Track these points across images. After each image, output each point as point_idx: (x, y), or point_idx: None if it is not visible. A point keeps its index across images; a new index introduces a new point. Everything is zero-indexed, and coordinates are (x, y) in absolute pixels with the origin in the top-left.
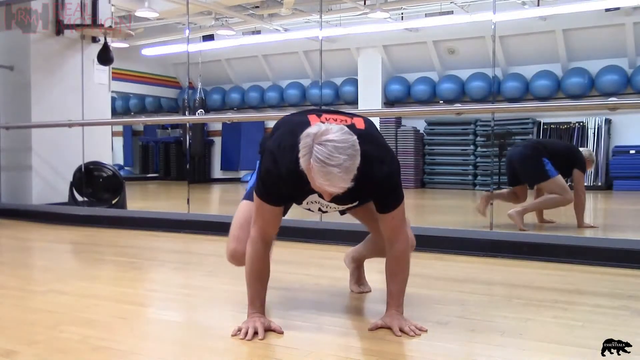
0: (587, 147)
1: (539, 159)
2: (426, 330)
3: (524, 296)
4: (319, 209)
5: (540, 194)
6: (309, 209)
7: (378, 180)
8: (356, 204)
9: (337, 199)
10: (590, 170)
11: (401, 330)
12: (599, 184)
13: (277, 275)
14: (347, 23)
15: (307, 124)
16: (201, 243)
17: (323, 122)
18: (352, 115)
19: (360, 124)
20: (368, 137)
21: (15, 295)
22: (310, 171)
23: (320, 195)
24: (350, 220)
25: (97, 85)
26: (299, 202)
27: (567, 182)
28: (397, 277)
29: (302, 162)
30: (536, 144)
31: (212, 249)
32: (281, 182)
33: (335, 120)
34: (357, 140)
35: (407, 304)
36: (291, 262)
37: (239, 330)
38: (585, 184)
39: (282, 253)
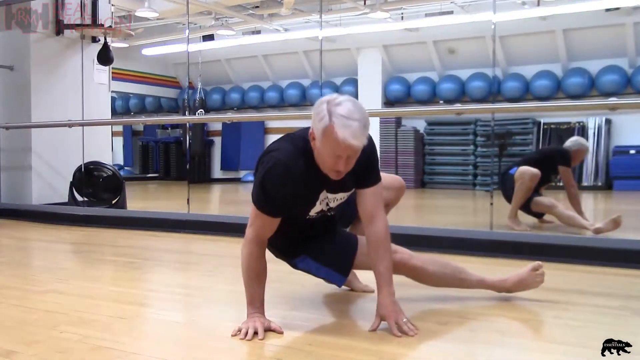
0: None
1: (506, 173)
2: (419, 330)
3: (524, 296)
4: (328, 208)
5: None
6: (316, 218)
7: (366, 152)
8: (352, 191)
9: (341, 185)
10: (584, 157)
11: (399, 328)
12: (599, 184)
13: (277, 275)
14: (347, 23)
15: (290, 141)
16: (201, 243)
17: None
18: None
19: None
20: None
21: (15, 295)
22: (330, 132)
23: (327, 189)
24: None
25: (97, 85)
26: (306, 211)
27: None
28: (382, 256)
29: (319, 126)
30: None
31: (212, 249)
32: (290, 185)
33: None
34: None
35: (407, 304)
36: None
37: (239, 330)
38: (585, 183)
39: None
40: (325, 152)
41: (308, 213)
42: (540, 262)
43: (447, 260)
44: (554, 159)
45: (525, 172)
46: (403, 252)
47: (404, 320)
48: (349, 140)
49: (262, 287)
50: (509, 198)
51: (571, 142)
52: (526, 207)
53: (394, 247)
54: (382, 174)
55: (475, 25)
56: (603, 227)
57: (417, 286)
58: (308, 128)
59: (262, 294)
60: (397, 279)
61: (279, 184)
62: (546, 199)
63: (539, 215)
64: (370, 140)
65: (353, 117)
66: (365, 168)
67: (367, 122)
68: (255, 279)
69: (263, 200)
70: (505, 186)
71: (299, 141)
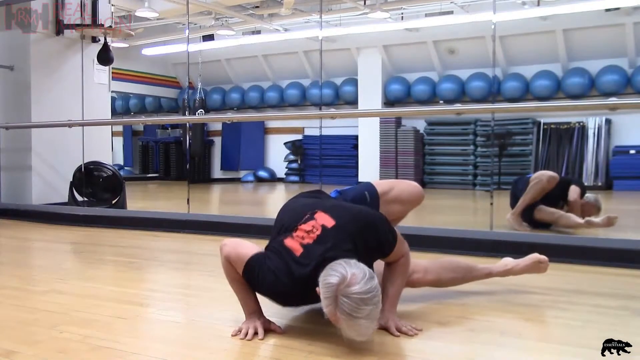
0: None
1: (523, 177)
2: (421, 330)
3: (524, 296)
4: None
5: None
6: None
7: (376, 232)
8: None
9: None
10: (592, 214)
11: (399, 330)
12: (599, 184)
13: None
14: (347, 23)
15: (289, 252)
16: (201, 243)
17: (303, 244)
18: (314, 212)
19: (328, 222)
20: (343, 227)
21: (15, 295)
22: (337, 321)
23: None
24: None
25: (97, 85)
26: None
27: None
28: (395, 282)
29: (327, 311)
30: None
31: (212, 249)
32: (284, 298)
33: (308, 232)
34: (378, 287)
35: (408, 303)
36: None
37: (239, 330)
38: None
39: None
40: (336, 324)
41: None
42: (546, 258)
43: (455, 259)
44: (570, 181)
45: (544, 173)
46: (418, 271)
47: (404, 323)
48: (354, 338)
49: (249, 289)
50: (517, 201)
51: (592, 195)
52: (529, 214)
53: (411, 266)
54: (402, 182)
55: (475, 25)
56: (597, 221)
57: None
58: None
59: (253, 295)
60: None
61: (269, 297)
62: (551, 208)
63: (538, 226)
64: (372, 221)
65: (360, 315)
66: (379, 248)
67: (377, 310)
68: (239, 284)
69: (251, 275)
70: (517, 189)
71: (298, 284)
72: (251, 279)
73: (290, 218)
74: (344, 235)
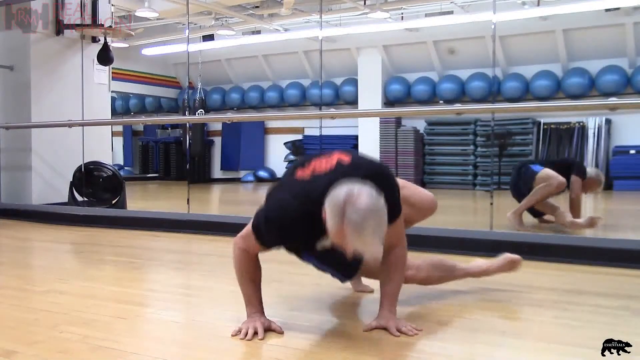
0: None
1: (526, 165)
2: (421, 330)
3: (524, 296)
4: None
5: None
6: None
7: (384, 189)
8: None
9: None
10: (598, 191)
11: (399, 331)
12: None
13: (277, 275)
14: (347, 23)
15: (298, 182)
16: (201, 243)
17: (315, 171)
18: (331, 152)
19: (344, 158)
20: (358, 165)
21: (15, 295)
22: (342, 236)
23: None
24: None
25: (97, 85)
26: (310, 248)
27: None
28: (393, 279)
29: (332, 226)
30: (532, 159)
31: (212, 249)
32: (290, 228)
33: (321, 164)
34: (384, 201)
35: (408, 303)
36: (291, 262)
37: (239, 330)
38: None
39: (282, 253)
40: (334, 240)
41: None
42: (519, 257)
43: (442, 258)
44: (572, 167)
45: (554, 178)
46: (411, 268)
47: (404, 323)
48: (360, 252)
49: (257, 288)
50: (518, 191)
51: (593, 170)
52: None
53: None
54: (418, 191)
55: (475, 25)
56: (581, 222)
57: (418, 286)
58: (318, 188)
59: (258, 294)
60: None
61: (277, 235)
62: (553, 203)
63: (538, 214)
64: (386, 175)
65: (367, 229)
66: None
67: (384, 225)
68: (249, 281)
69: (258, 231)
70: (520, 179)
71: (306, 203)
72: (265, 232)
73: (300, 161)
74: (358, 173)
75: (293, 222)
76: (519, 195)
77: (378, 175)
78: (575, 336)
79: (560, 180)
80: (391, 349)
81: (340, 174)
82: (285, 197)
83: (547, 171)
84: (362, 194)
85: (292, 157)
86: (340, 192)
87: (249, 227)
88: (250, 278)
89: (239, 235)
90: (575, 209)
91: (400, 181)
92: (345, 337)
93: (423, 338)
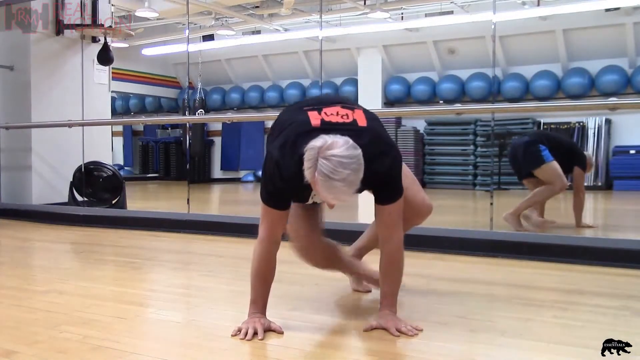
0: (587, 147)
1: (536, 145)
2: (422, 330)
3: (524, 296)
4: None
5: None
6: (315, 202)
7: (380, 173)
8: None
9: None
10: (589, 173)
11: (398, 331)
12: (599, 184)
13: (277, 275)
14: (347, 23)
15: (308, 124)
16: (201, 243)
17: (325, 120)
18: (353, 108)
19: (361, 119)
20: (371, 133)
21: (15, 295)
22: (315, 184)
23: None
24: (350, 220)
25: (97, 85)
26: (305, 200)
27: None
28: (390, 277)
29: (307, 174)
30: (538, 133)
31: (212, 249)
32: (284, 185)
33: (337, 114)
34: (362, 154)
35: (408, 303)
36: (291, 262)
37: (239, 330)
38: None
39: (282, 253)
40: (315, 190)
41: (315, 201)
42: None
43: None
44: (576, 157)
45: (559, 179)
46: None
47: (404, 323)
48: (330, 200)
49: (267, 288)
50: (518, 165)
51: (586, 153)
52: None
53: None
54: (413, 193)
55: (475, 25)
56: (533, 221)
57: (418, 286)
58: (308, 112)
59: (266, 295)
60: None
61: (273, 176)
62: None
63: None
64: (392, 153)
65: (336, 177)
66: (384, 185)
67: (356, 177)
68: (262, 280)
69: (265, 192)
70: (526, 156)
71: (299, 146)
72: (272, 180)
73: (321, 98)
74: (362, 140)
75: (279, 162)
76: (517, 169)
77: (389, 147)
78: (575, 336)
79: (563, 183)
80: (391, 348)
81: (347, 132)
82: (289, 140)
83: (554, 167)
84: (335, 146)
85: None
86: (316, 142)
87: (261, 207)
88: (263, 279)
89: (259, 226)
90: (577, 207)
91: (405, 168)
92: (345, 337)
93: (423, 338)
